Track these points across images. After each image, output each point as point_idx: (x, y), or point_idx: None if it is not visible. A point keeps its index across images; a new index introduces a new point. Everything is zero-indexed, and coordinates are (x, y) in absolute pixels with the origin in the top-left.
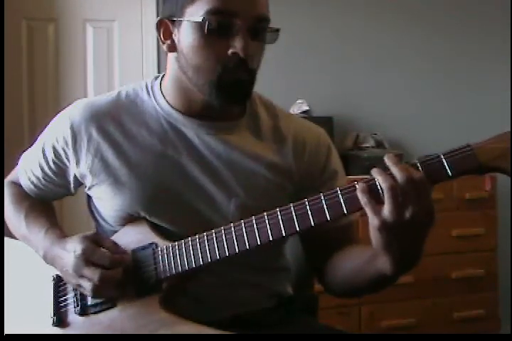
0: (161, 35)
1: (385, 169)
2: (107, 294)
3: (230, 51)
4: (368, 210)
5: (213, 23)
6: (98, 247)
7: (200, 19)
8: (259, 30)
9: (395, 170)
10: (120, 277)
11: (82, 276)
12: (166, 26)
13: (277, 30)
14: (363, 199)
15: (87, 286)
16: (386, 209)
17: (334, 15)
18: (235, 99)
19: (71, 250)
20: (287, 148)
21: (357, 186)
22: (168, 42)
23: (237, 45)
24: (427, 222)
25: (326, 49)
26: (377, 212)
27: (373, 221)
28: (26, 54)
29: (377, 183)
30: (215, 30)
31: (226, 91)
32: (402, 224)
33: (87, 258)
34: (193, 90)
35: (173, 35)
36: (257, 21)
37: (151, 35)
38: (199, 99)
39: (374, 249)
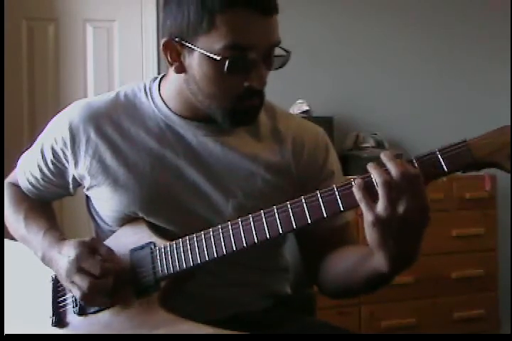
0: (169, 57)
1: (381, 164)
2: (96, 302)
3: (246, 84)
4: (363, 205)
5: (231, 60)
6: (92, 254)
7: (217, 57)
8: (272, 57)
9: (390, 165)
10: (109, 287)
11: (72, 282)
12: (173, 47)
13: (288, 53)
14: (358, 194)
15: (76, 293)
16: (380, 204)
17: (334, 15)
18: (247, 122)
19: (66, 254)
20: (286, 148)
21: (353, 183)
22: (177, 63)
23: (254, 79)
24: (421, 219)
25: (326, 49)
26: (372, 207)
27: (367, 216)
28: (26, 54)
29: (373, 178)
30: (233, 67)
31: (239, 117)
32: (396, 219)
33: (78, 265)
34: (199, 105)
35: (182, 57)
36: (272, 48)
37: (151, 35)
38: (204, 110)
39: (370, 246)
